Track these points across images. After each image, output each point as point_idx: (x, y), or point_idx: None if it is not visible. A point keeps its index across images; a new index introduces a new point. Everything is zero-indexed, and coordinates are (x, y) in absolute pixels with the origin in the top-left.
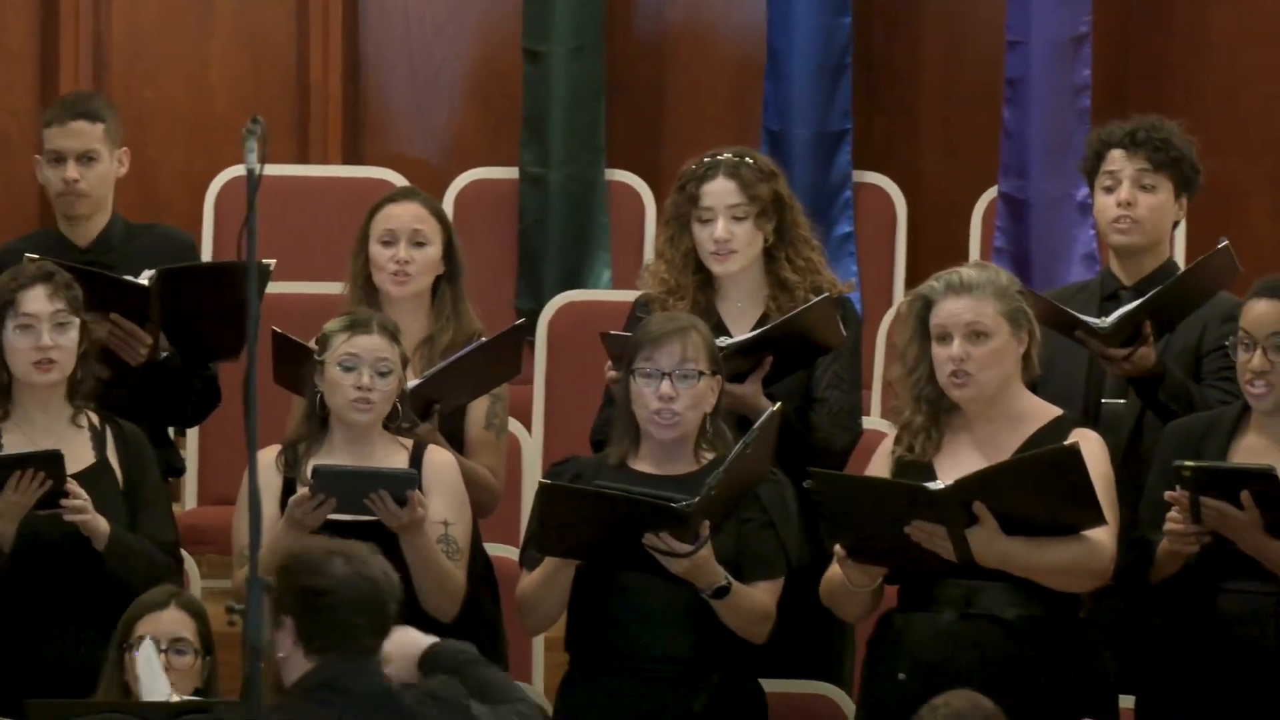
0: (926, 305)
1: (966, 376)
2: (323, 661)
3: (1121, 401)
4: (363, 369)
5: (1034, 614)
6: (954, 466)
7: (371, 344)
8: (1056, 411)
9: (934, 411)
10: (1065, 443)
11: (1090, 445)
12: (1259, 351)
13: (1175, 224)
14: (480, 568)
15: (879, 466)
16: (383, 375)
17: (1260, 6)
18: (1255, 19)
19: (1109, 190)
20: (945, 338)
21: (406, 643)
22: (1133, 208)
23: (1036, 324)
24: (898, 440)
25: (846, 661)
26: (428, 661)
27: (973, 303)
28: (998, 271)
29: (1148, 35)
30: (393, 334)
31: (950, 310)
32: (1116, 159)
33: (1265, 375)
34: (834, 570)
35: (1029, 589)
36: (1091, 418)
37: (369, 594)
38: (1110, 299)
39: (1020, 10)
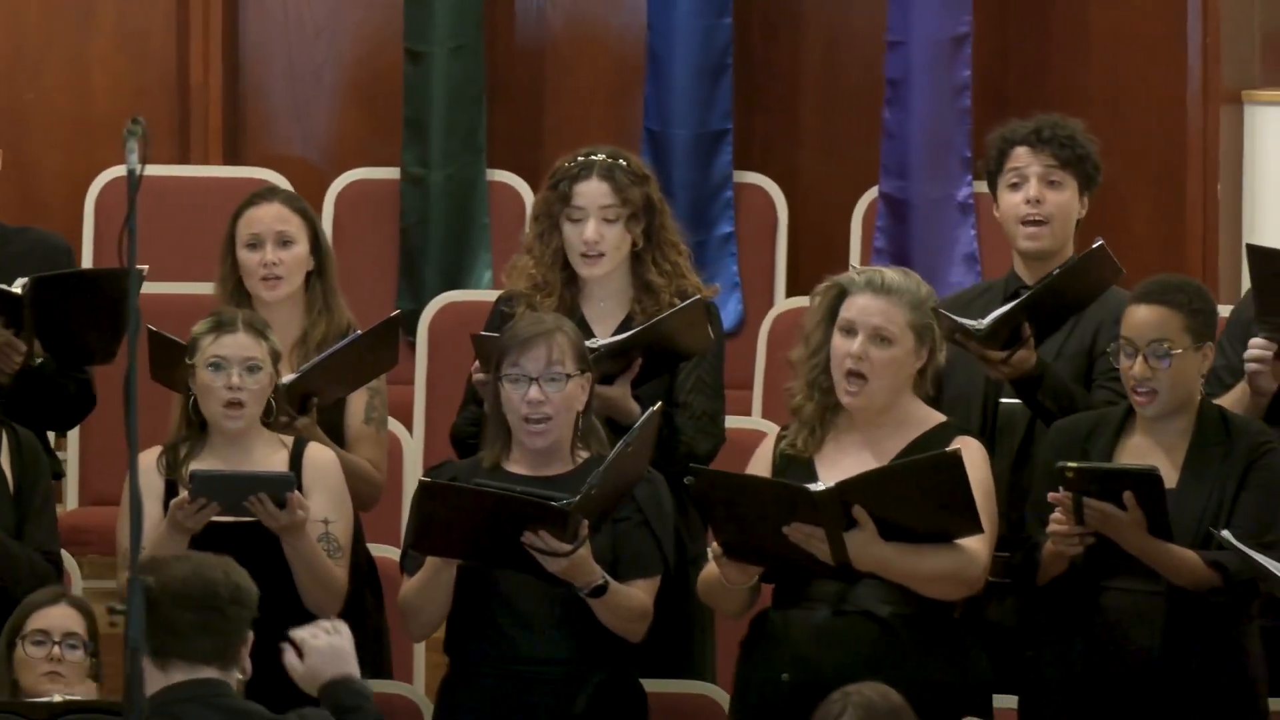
0: (841, 295)
1: (861, 381)
2: (168, 681)
3: (1018, 402)
4: (231, 369)
5: (908, 611)
6: (835, 466)
7: (238, 343)
8: (941, 417)
9: (824, 404)
10: (948, 449)
11: (971, 453)
12: (1140, 359)
13: (1078, 223)
14: (364, 566)
15: (761, 460)
16: (252, 372)
17: (1139, 7)
18: (1134, 19)
19: (1015, 188)
20: (850, 331)
21: (333, 657)
22: (1041, 205)
23: (941, 345)
24: (784, 429)
25: (707, 659)
26: (325, 691)
27: (886, 306)
28: (920, 284)
29: (1027, 36)
30: (260, 331)
31: (863, 306)
32: (1022, 156)
33: (1148, 382)
34: (712, 567)
35: (902, 586)
36: (990, 419)
37: (197, 593)
38: (1014, 299)
39: (900, 11)
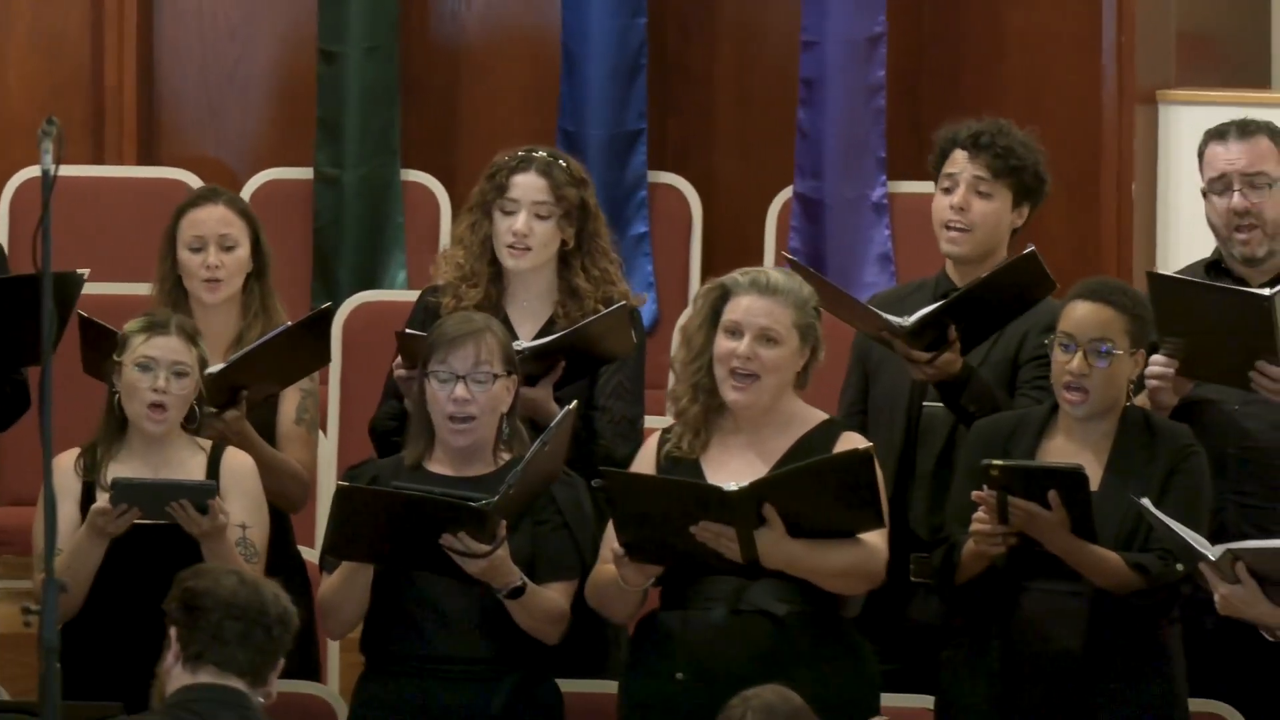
0: (723, 296)
1: (748, 379)
2: (195, 681)
3: (941, 406)
4: (159, 371)
5: (804, 610)
6: (722, 468)
7: (169, 346)
8: (823, 415)
9: (707, 405)
10: (857, 447)
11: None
12: (1079, 354)
13: (1015, 231)
14: (291, 566)
15: (645, 462)
16: (179, 377)
17: (1054, 7)
18: (1049, 19)
19: (947, 191)
20: (736, 333)
21: None
22: (965, 212)
23: (822, 344)
24: (667, 432)
25: (621, 659)
26: None
27: (772, 306)
28: (801, 283)
29: (941, 36)
30: (191, 337)
31: (748, 307)
32: (958, 160)
33: (1083, 379)
34: (603, 569)
35: (797, 585)
36: (913, 422)
37: (248, 606)
38: (943, 300)
39: (815, 11)
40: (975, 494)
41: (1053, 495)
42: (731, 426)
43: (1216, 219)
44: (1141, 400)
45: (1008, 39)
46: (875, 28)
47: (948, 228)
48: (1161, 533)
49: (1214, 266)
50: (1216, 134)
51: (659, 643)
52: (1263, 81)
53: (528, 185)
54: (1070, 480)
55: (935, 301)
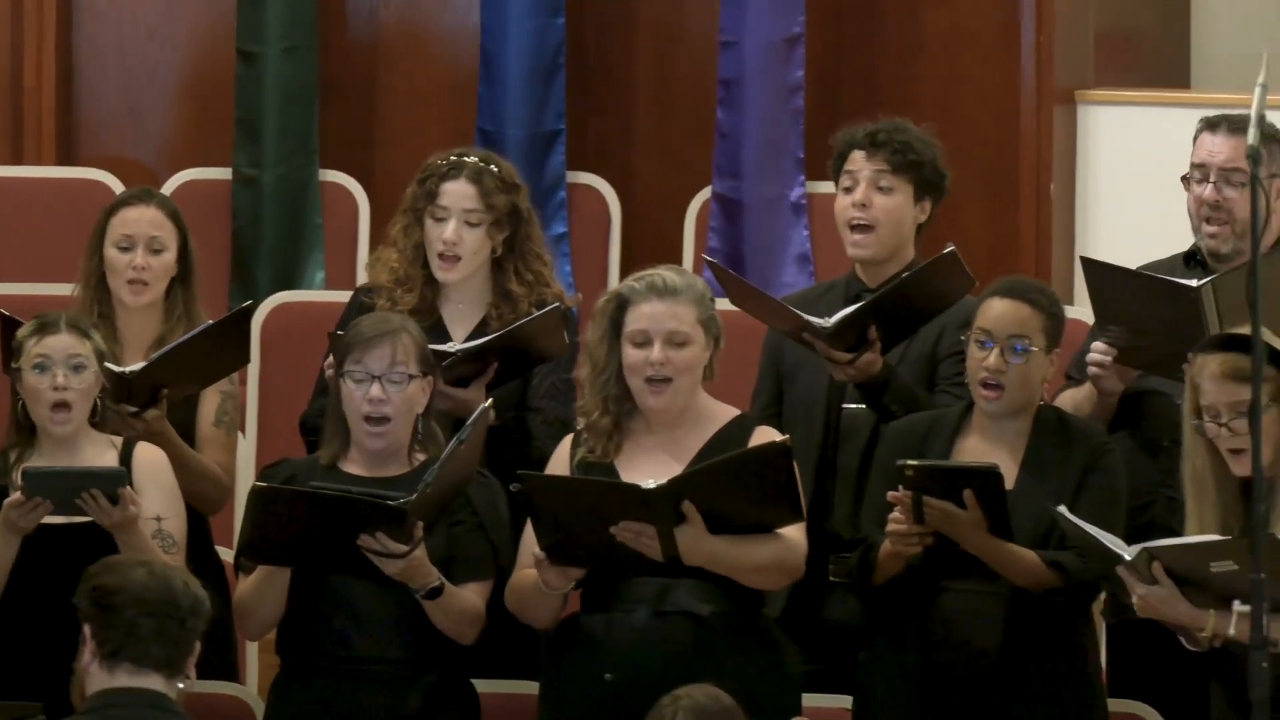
0: (622, 306)
1: (664, 384)
2: (113, 684)
3: (861, 407)
4: (56, 369)
5: (726, 610)
6: (637, 468)
7: (61, 343)
8: (734, 410)
9: (618, 413)
10: (774, 439)
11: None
12: (996, 351)
13: (920, 228)
14: (210, 567)
15: (559, 468)
16: (77, 371)
17: (972, 7)
18: (967, 19)
19: (848, 190)
20: (645, 343)
21: None
22: (867, 209)
23: (722, 335)
24: (577, 442)
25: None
26: None
27: (675, 308)
28: (695, 277)
29: (860, 36)
30: (83, 330)
31: (652, 314)
32: (857, 160)
33: (999, 376)
34: (522, 574)
35: (718, 585)
36: (833, 423)
37: (160, 600)
38: (853, 301)
39: (733, 11)
40: (890, 494)
41: (968, 495)
42: (644, 428)
43: (1190, 207)
44: (1089, 387)
45: (926, 39)
46: (794, 28)
47: (852, 228)
48: (1076, 537)
49: (1190, 258)
50: (1210, 123)
51: (583, 645)
52: (1182, 82)
53: (457, 193)
54: (985, 479)
55: (847, 302)
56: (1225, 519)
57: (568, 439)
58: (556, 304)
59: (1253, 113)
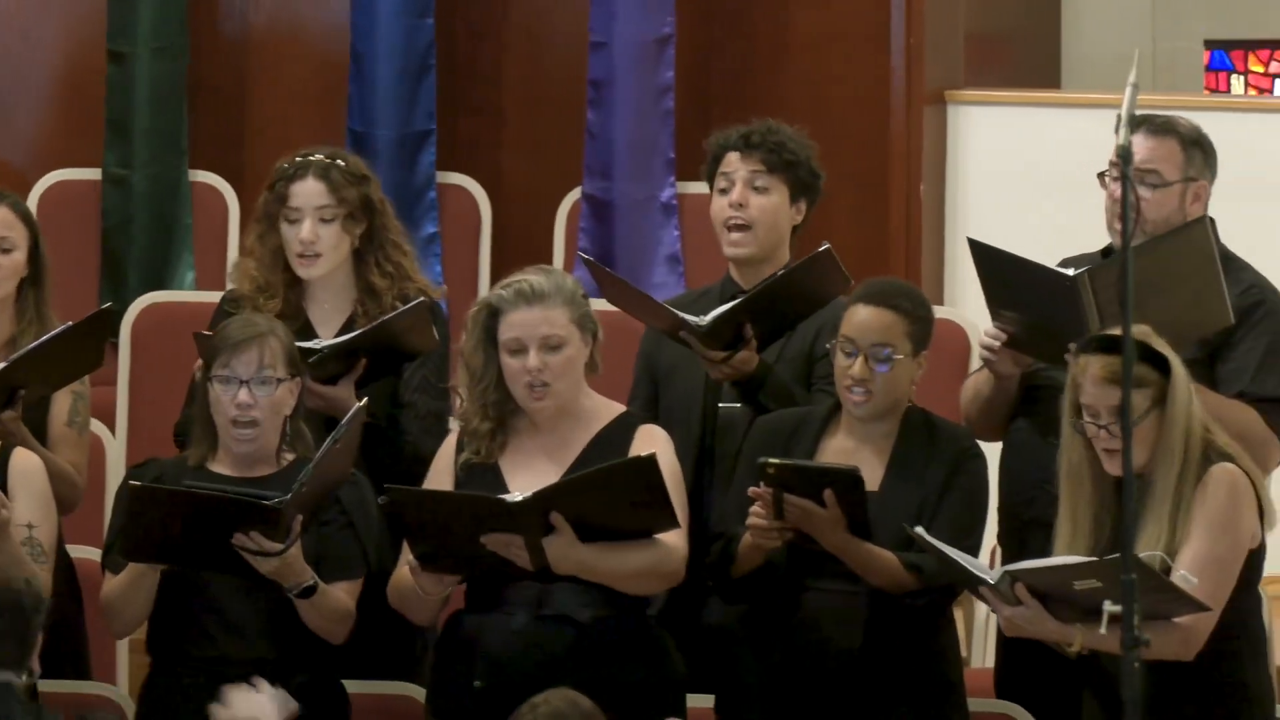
0: (494, 314)
1: (545, 388)
2: None
3: (738, 406)
4: None
5: (606, 614)
6: (521, 468)
7: None
8: (619, 408)
9: (500, 416)
10: (639, 449)
11: (658, 443)
12: (860, 359)
13: (795, 229)
14: (62, 569)
15: (442, 470)
16: None
17: (840, 8)
18: (835, 20)
19: (723, 192)
20: (520, 350)
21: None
22: (744, 209)
23: (599, 325)
24: (460, 445)
25: (422, 660)
26: None
27: (546, 313)
28: (563, 276)
29: (730, 37)
30: None
31: (524, 321)
32: (732, 161)
33: (865, 383)
34: (404, 572)
35: (600, 589)
36: (709, 422)
37: (4, 604)
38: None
39: (603, 12)
40: (752, 490)
41: (828, 494)
42: (528, 426)
43: (1105, 204)
44: (984, 375)
45: (796, 40)
46: (664, 29)
47: (729, 228)
48: (937, 559)
49: (1108, 254)
50: (1135, 122)
51: (458, 646)
52: (1052, 82)
53: (307, 192)
54: (845, 480)
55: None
56: (1099, 514)
57: (451, 439)
58: (422, 299)
59: (1123, 112)
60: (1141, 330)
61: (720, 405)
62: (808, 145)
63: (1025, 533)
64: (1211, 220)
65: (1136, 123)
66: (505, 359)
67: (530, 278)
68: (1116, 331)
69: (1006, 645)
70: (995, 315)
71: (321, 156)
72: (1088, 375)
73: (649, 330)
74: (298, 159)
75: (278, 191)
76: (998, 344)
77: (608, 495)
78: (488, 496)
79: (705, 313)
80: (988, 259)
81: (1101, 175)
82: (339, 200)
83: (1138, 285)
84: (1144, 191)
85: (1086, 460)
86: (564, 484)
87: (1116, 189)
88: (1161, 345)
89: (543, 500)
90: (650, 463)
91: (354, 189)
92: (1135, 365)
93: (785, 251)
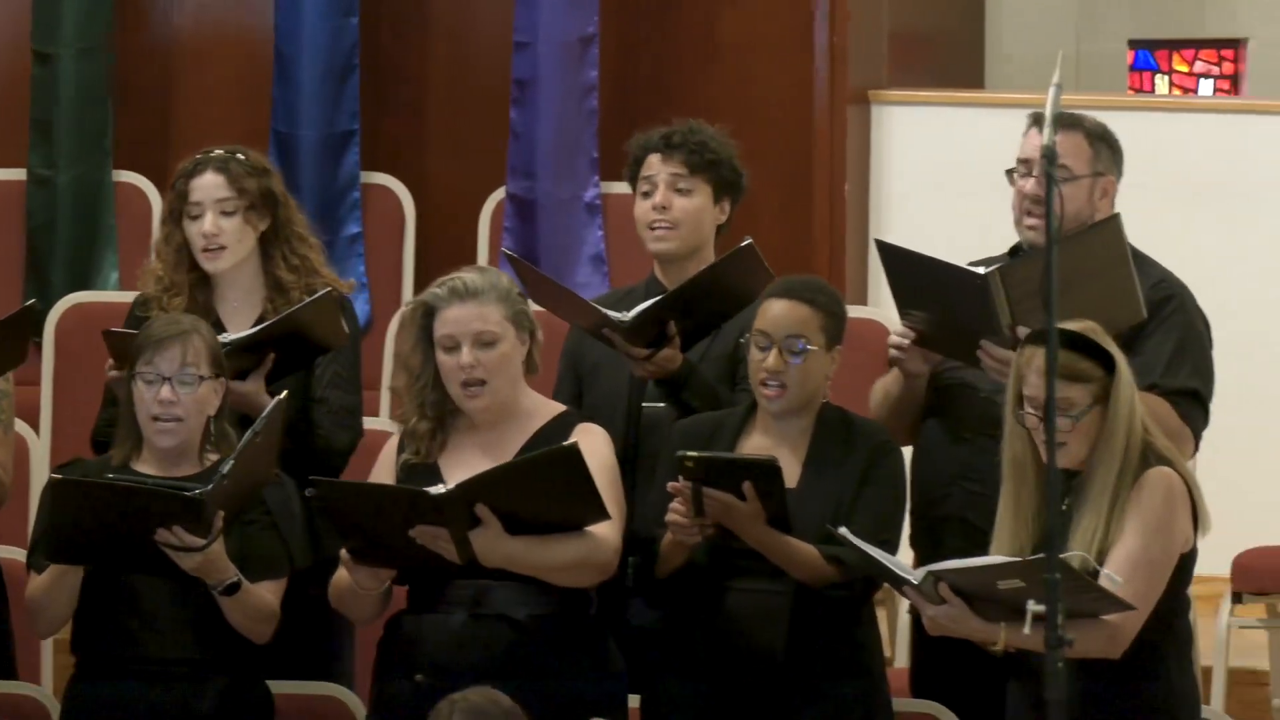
0: (429, 313)
1: (480, 386)
2: None
3: (662, 405)
4: None
5: (545, 612)
6: (460, 466)
7: None
8: (559, 407)
9: (439, 415)
10: (567, 441)
11: (594, 440)
12: (775, 352)
13: (719, 228)
14: None
15: (384, 471)
16: None
17: (765, 10)
18: (760, 23)
19: (646, 195)
20: (454, 347)
21: None
22: (668, 211)
23: (538, 324)
24: (401, 446)
25: (345, 661)
26: None
27: (479, 309)
28: (498, 274)
29: (653, 37)
30: None
31: (457, 318)
32: (654, 163)
33: (779, 376)
34: (341, 574)
35: (539, 587)
36: (633, 422)
37: None
38: (663, 295)
39: (527, 12)
40: (670, 485)
41: (747, 486)
42: (467, 426)
43: (1013, 200)
44: (896, 371)
45: (720, 40)
46: (588, 28)
47: (652, 228)
48: (862, 559)
49: (1016, 251)
50: (1038, 119)
51: (399, 645)
52: (976, 82)
53: (207, 185)
54: (763, 471)
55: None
56: (1041, 505)
57: (392, 441)
58: (329, 289)
59: (1047, 112)
60: (1089, 326)
61: (645, 405)
62: (729, 144)
63: (940, 531)
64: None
65: (1042, 117)
66: (441, 357)
67: (465, 275)
68: (1068, 325)
69: (923, 644)
70: (903, 314)
71: (221, 151)
72: (1032, 366)
73: (573, 328)
74: (197, 156)
75: (179, 189)
76: (906, 342)
77: (533, 486)
78: (411, 489)
79: (629, 311)
80: (896, 259)
81: (1010, 172)
82: (239, 191)
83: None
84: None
85: (1030, 451)
86: (487, 475)
87: (1025, 185)
88: (1108, 342)
89: (467, 492)
90: (573, 453)
91: (254, 180)
92: (1080, 361)
93: (710, 251)
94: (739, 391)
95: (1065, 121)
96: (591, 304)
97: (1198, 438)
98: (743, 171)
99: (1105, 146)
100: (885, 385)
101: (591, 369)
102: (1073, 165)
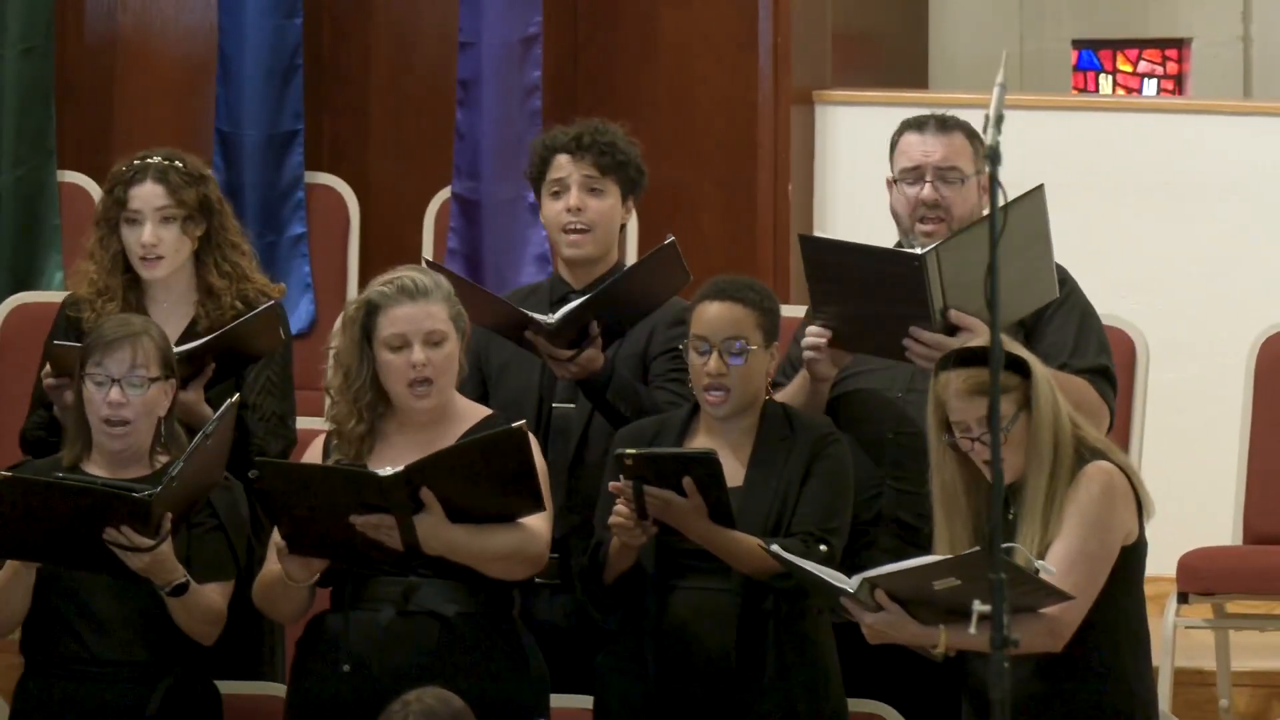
0: (371, 312)
1: (428, 385)
2: None
3: (571, 406)
4: None
5: (472, 611)
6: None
7: None
8: (485, 410)
9: (372, 417)
10: (510, 425)
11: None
12: (715, 355)
13: (623, 226)
14: None
15: None
16: None
17: (708, 10)
18: (703, 23)
19: (557, 196)
20: (403, 346)
21: None
22: (582, 212)
23: (470, 327)
24: (328, 448)
25: (279, 662)
26: None
27: (429, 308)
28: (437, 274)
29: (596, 37)
30: None
31: (407, 316)
32: (563, 164)
33: (722, 379)
34: (269, 570)
35: (466, 585)
36: (543, 422)
37: None
38: (559, 303)
39: (471, 12)
40: (612, 485)
41: (687, 481)
42: (395, 429)
43: (902, 208)
44: (801, 378)
45: (663, 40)
46: (530, 29)
47: (566, 231)
48: (798, 574)
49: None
50: (914, 124)
51: (324, 643)
52: (920, 82)
53: (146, 194)
54: (702, 464)
55: (554, 305)
56: (978, 527)
57: (318, 442)
58: (272, 302)
59: (991, 113)
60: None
61: (555, 405)
62: (633, 143)
63: (874, 533)
64: None
65: (920, 122)
66: (386, 356)
67: (410, 274)
68: (972, 343)
69: (845, 641)
70: (816, 313)
71: (159, 159)
72: (950, 391)
73: (476, 328)
74: (135, 162)
75: (116, 195)
76: (823, 341)
77: (478, 470)
78: (359, 469)
79: (535, 310)
80: (821, 251)
81: (891, 182)
82: (178, 202)
83: (976, 265)
84: (946, 190)
85: (960, 478)
86: (435, 457)
87: (919, 191)
88: (1018, 348)
89: (414, 474)
90: (521, 434)
91: (192, 190)
92: None
93: (615, 252)
94: (655, 390)
95: (945, 124)
96: (514, 306)
97: (1113, 413)
98: (645, 170)
99: (979, 143)
100: (790, 396)
101: (499, 369)
102: (963, 166)
